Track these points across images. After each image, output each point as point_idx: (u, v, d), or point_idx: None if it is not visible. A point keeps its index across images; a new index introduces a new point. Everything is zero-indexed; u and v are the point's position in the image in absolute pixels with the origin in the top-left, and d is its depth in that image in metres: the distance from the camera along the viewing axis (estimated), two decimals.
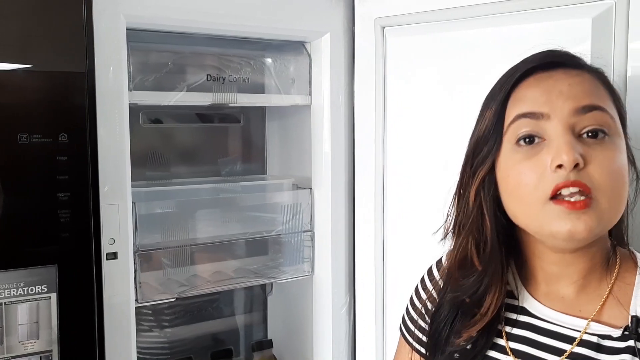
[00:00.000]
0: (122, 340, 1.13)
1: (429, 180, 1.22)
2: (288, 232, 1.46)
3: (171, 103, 1.27)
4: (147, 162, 1.49)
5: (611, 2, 0.98)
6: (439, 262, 0.93)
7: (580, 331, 0.75)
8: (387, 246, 1.33)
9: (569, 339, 0.76)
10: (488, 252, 0.79)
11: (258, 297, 1.72)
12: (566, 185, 0.69)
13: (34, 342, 1.02)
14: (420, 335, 0.90)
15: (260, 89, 1.42)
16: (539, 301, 0.81)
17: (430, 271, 0.93)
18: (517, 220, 0.77)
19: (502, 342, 0.80)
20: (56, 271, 1.03)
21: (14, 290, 1.00)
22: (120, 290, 1.13)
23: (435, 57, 1.21)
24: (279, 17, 1.31)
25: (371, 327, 1.36)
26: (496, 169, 0.78)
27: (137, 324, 1.19)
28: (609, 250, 0.79)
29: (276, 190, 1.50)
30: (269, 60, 1.43)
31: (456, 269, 0.83)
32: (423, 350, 0.90)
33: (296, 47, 1.43)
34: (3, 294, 0.99)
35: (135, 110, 1.33)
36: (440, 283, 0.89)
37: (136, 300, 1.20)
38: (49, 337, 1.02)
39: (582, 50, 0.98)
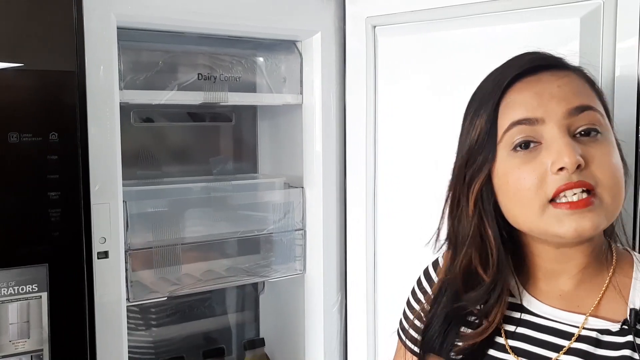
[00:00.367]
0: (113, 339, 1.13)
1: (420, 179, 1.22)
2: (279, 231, 1.46)
3: (162, 102, 1.26)
4: (138, 161, 1.48)
5: (599, 1, 0.99)
6: (435, 263, 0.92)
7: (578, 327, 0.76)
8: (378, 244, 1.34)
9: (567, 335, 0.76)
10: (495, 264, 0.79)
11: (250, 296, 1.72)
12: (569, 187, 0.70)
13: (25, 342, 1.01)
14: (415, 335, 0.90)
15: (251, 88, 1.42)
16: (537, 298, 0.81)
17: (426, 272, 0.93)
18: (518, 225, 0.77)
19: (501, 340, 0.80)
20: (47, 270, 1.02)
21: (4, 290, 1.00)
22: (112, 289, 1.13)
23: (425, 57, 1.21)
24: (270, 16, 1.31)
25: (362, 325, 1.37)
26: (493, 176, 0.77)
27: (129, 323, 1.19)
28: (603, 244, 0.80)
29: (268, 189, 1.50)
30: (261, 59, 1.43)
31: (461, 279, 0.82)
32: (417, 349, 0.89)
33: (287, 46, 1.43)
34: None
35: (126, 109, 1.33)
36: (435, 290, 0.88)
37: (127, 299, 1.19)
38: (39, 337, 1.02)
39: (570, 49, 1.00)
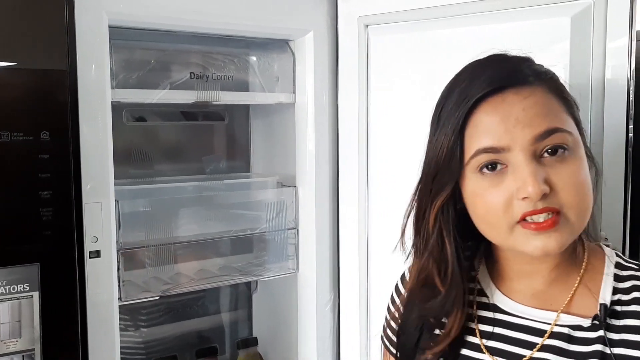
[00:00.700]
0: (106, 338, 1.13)
1: (412, 178, 1.22)
2: (272, 230, 1.47)
3: (154, 101, 1.26)
4: (130, 160, 1.48)
5: (589, 1, 0.99)
6: (402, 278, 0.94)
7: (550, 324, 0.77)
8: (371, 243, 1.34)
9: (540, 332, 0.78)
10: (449, 277, 0.81)
11: (243, 295, 1.72)
12: (535, 213, 0.71)
13: (16, 341, 1.01)
14: (395, 338, 0.91)
15: (244, 87, 1.42)
16: (509, 297, 0.82)
17: (396, 287, 0.95)
18: (490, 239, 0.79)
19: (476, 340, 0.82)
20: (38, 270, 1.02)
21: None
22: (104, 288, 1.12)
23: (418, 56, 1.22)
24: (262, 15, 1.31)
25: (355, 324, 1.37)
26: (463, 193, 0.78)
27: (121, 322, 1.19)
28: (576, 243, 0.81)
29: (260, 188, 1.50)
30: (253, 58, 1.43)
31: (419, 289, 0.84)
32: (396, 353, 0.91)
33: (280, 45, 1.43)
34: None
35: (118, 108, 1.33)
36: (403, 300, 0.91)
37: (119, 298, 1.19)
38: (31, 336, 1.02)
39: (561, 48, 1.00)
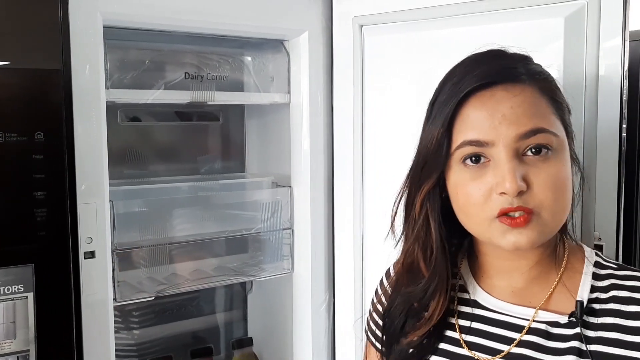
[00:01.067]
0: (101, 339, 1.13)
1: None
2: (267, 230, 1.47)
3: (149, 101, 1.26)
4: (125, 161, 1.48)
5: (583, 1, 1.00)
6: (387, 273, 0.97)
7: (529, 320, 0.79)
8: (366, 243, 1.34)
9: (518, 328, 0.79)
10: (433, 261, 0.83)
11: (238, 295, 1.72)
12: (510, 210, 0.74)
13: (11, 342, 1.01)
14: (380, 334, 0.93)
15: (239, 87, 1.42)
16: (489, 293, 0.84)
17: (381, 281, 0.97)
18: (468, 230, 0.81)
19: (455, 335, 0.83)
20: (33, 270, 1.02)
21: None
22: (98, 289, 1.12)
23: (412, 56, 1.22)
24: (257, 15, 1.31)
25: (350, 324, 1.37)
26: (447, 183, 0.81)
27: (116, 322, 1.19)
28: (557, 242, 0.83)
29: (255, 189, 1.50)
30: (248, 58, 1.43)
31: (404, 274, 0.87)
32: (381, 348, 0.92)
33: (275, 46, 1.43)
34: None
35: (112, 108, 1.33)
36: (389, 289, 0.93)
37: (114, 299, 1.19)
38: (26, 337, 1.02)
39: (554, 48, 1.01)
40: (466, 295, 0.86)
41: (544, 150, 0.74)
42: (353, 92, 1.32)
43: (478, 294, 0.85)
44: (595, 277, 0.79)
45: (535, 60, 0.81)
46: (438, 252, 0.83)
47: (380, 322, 0.92)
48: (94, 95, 1.10)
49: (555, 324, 0.77)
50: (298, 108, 1.41)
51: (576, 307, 0.76)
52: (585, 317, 0.76)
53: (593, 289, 0.78)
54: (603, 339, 0.74)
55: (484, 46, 0.82)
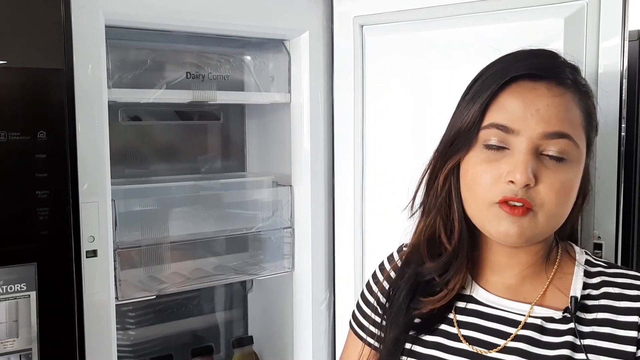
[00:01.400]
0: (103, 337, 1.13)
1: (407, 178, 1.23)
2: (268, 229, 1.47)
3: (150, 100, 1.26)
4: (126, 160, 1.48)
5: (583, 2, 1.00)
6: (390, 257, 0.98)
7: (525, 315, 0.81)
8: (367, 242, 1.35)
9: (514, 323, 0.81)
10: (457, 236, 0.85)
11: (238, 294, 1.72)
12: (512, 200, 0.76)
13: (14, 341, 1.01)
14: (373, 329, 0.93)
15: (240, 86, 1.42)
16: (485, 289, 0.86)
17: (382, 266, 0.98)
18: (467, 209, 0.83)
19: (453, 329, 0.85)
20: (35, 269, 1.02)
21: None
22: (100, 288, 1.13)
23: (413, 56, 1.23)
24: (258, 15, 1.31)
25: None
26: (462, 160, 0.82)
27: (117, 321, 1.19)
28: (552, 246, 0.86)
29: (256, 188, 1.50)
30: (249, 58, 1.43)
31: (424, 246, 0.88)
32: (376, 344, 0.92)
33: (275, 45, 1.43)
34: None
35: (114, 108, 1.33)
36: (399, 263, 0.94)
37: (116, 298, 1.19)
38: (28, 336, 1.02)
39: (555, 48, 1.01)
40: (463, 291, 0.87)
41: (561, 157, 0.77)
42: (353, 92, 1.33)
43: (474, 289, 0.87)
44: (587, 274, 0.82)
45: None
46: (462, 225, 0.84)
47: (374, 316, 0.93)
48: (96, 95, 1.10)
49: (550, 319, 0.80)
50: (299, 107, 1.42)
51: (570, 303, 0.79)
52: (578, 313, 0.78)
53: (585, 286, 0.81)
54: (596, 333, 0.77)
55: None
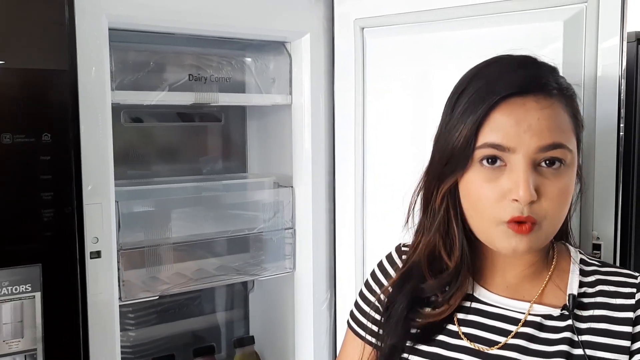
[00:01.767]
0: (106, 338, 1.14)
1: (408, 179, 1.24)
2: (269, 230, 1.48)
3: (153, 103, 1.27)
4: (128, 161, 1.49)
5: (582, 5, 1.01)
6: (389, 256, 0.98)
7: (524, 313, 0.83)
8: (367, 243, 1.35)
9: (514, 321, 0.83)
10: (457, 253, 0.86)
11: (239, 294, 1.73)
12: (521, 220, 0.77)
13: (19, 341, 1.02)
14: (374, 327, 0.94)
15: (241, 88, 1.43)
16: (485, 288, 0.88)
17: (381, 265, 0.98)
18: (473, 225, 0.84)
19: (454, 327, 0.86)
20: (40, 270, 1.03)
21: None
22: (104, 288, 1.13)
23: (413, 58, 1.23)
24: (259, 17, 1.32)
25: None
26: (459, 181, 0.83)
27: (120, 321, 1.20)
28: (550, 246, 0.88)
29: (257, 189, 1.51)
30: (250, 60, 1.44)
31: (425, 262, 0.88)
32: (377, 342, 0.93)
33: (276, 47, 1.44)
34: None
35: (116, 110, 1.33)
36: (399, 263, 0.95)
37: (120, 298, 1.20)
38: (33, 336, 1.03)
39: (554, 49, 1.03)
40: None
41: (557, 164, 0.78)
42: (354, 93, 1.34)
43: (475, 288, 0.88)
44: (582, 273, 0.85)
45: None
46: (462, 243, 0.86)
47: (374, 314, 0.93)
48: (99, 97, 1.11)
49: (549, 317, 0.82)
50: (299, 109, 1.43)
51: (568, 300, 0.81)
52: (575, 310, 0.81)
53: (581, 284, 0.84)
54: (593, 329, 0.80)
55: (512, 50, 0.84)
